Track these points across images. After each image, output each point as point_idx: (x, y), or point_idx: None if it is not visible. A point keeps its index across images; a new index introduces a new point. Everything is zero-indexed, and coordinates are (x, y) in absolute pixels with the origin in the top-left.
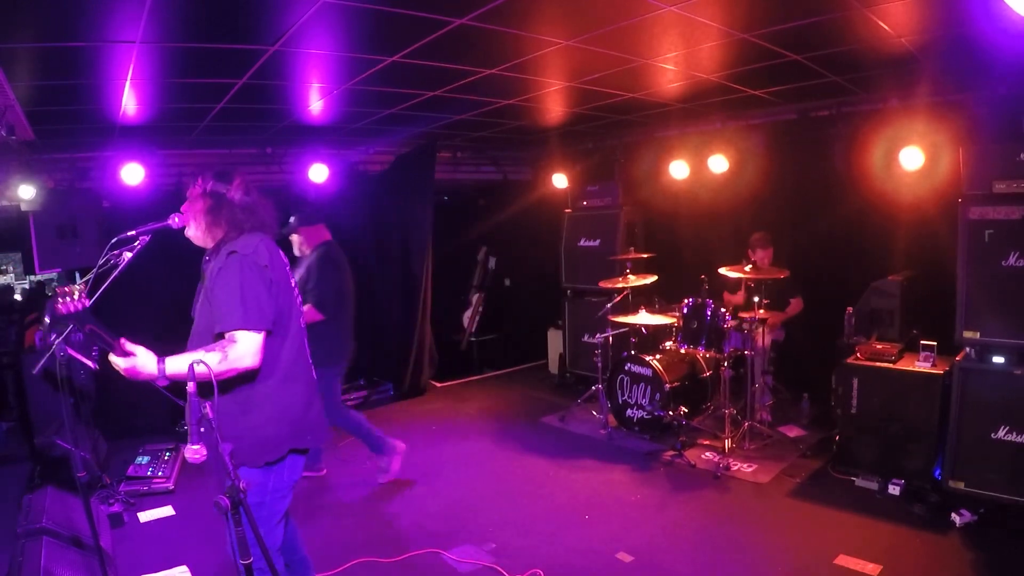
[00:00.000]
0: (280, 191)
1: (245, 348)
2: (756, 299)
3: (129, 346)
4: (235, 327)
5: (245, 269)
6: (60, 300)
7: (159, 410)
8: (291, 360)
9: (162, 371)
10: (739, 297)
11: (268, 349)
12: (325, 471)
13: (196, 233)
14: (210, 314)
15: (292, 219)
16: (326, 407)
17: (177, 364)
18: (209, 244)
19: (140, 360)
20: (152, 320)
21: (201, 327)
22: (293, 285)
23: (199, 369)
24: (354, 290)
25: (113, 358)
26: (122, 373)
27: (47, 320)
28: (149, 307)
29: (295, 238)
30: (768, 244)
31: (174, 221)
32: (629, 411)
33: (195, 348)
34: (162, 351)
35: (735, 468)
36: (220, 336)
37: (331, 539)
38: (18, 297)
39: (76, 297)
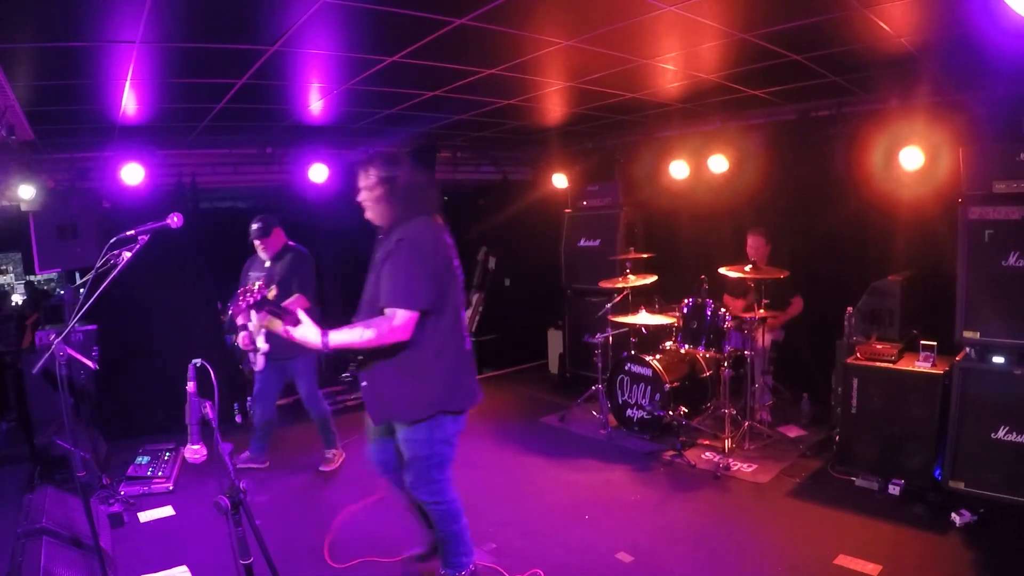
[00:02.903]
0: (280, 191)
1: (398, 323)
2: (757, 300)
3: (302, 316)
4: (393, 304)
5: (411, 255)
6: (242, 297)
7: (159, 410)
8: (446, 334)
9: (326, 342)
10: (740, 304)
11: (425, 325)
12: (268, 463)
13: (373, 216)
14: (376, 289)
15: (256, 226)
16: (310, 392)
17: (339, 336)
18: (385, 223)
19: (303, 331)
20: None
21: (370, 298)
22: (456, 266)
23: (356, 339)
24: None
25: (289, 328)
26: (293, 339)
27: (230, 314)
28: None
29: (259, 244)
30: (759, 235)
31: (173, 221)
32: (629, 411)
33: (364, 316)
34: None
35: (735, 468)
36: (382, 311)
37: (331, 539)
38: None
39: (256, 289)
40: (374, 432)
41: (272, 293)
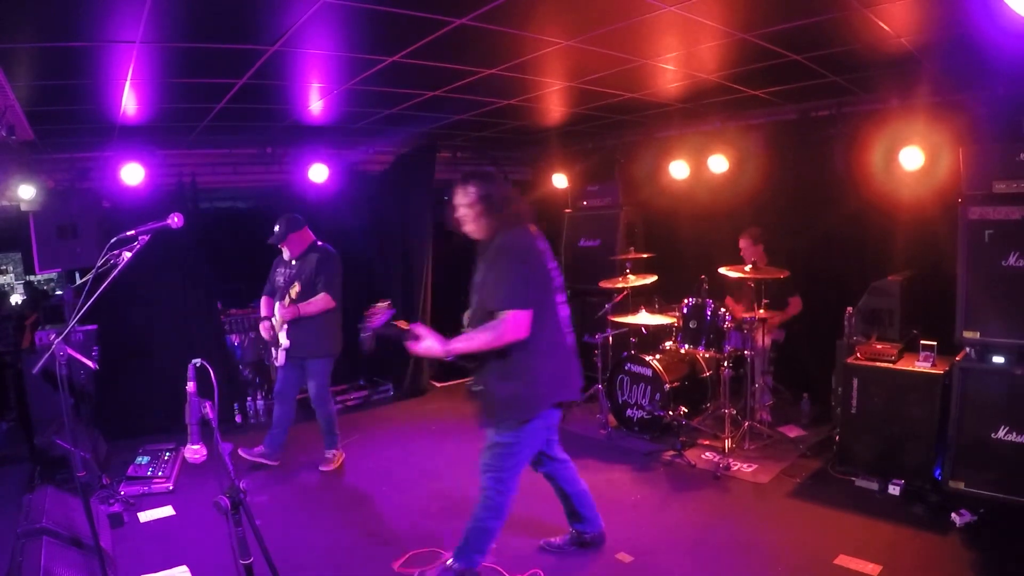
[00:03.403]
0: (280, 191)
1: (512, 324)
2: (756, 300)
3: (421, 331)
4: (503, 307)
5: (510, 261)
6: (372, 317)
7: (159, 410)
8: (550, 332)
9: (448, 350)
10: (741, 309)
11: (534, 324)
12: (279, 462)
13: (473, 230)
14: (484, 296)
15: (278, 228)
16: (320, 392)
17: (460, 344)
18: (484, 236)
19: (425, 344)
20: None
21: (476, 309)
22: (552, 268)
23: (475, 342)
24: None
25: (409, 343)
26: (416, 353)
27: (367, 331)
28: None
29: (280, 247)
30: (747, 236)
31: (174, 221)
32: (629, 411)
33: (474, 322)
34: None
35: (735, 468)
36: (491, 314)
37: (331, 538)
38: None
39: (387, 308)
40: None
41: (296, 291)
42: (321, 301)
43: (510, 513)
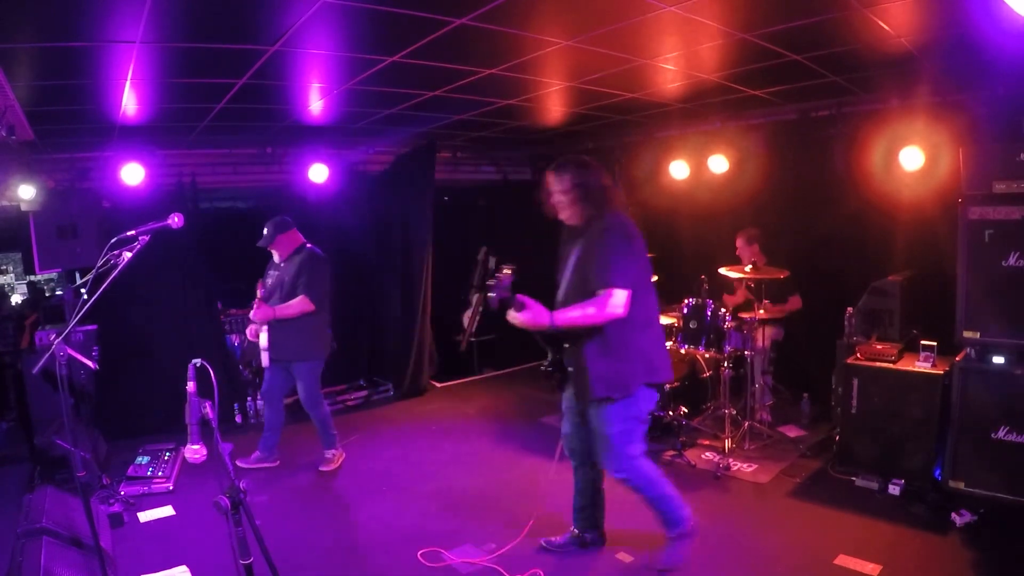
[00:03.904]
0: (280, 191)
1: (616, 300)
2: (756, 300)
3: (527, 301)
4: (607, 285)
5: (617, 240)
6: (500, 280)
7: (159, 410)
8: (648, 311)
9: (553, 320)
10: (738, 297)
11: (632, 303)
12: (279, 462)
13: (568, 216)
14: (584, 278)
15: (266, 231)
16: (309, 396)
17: (564, 316)
18: (578, 222)
19: (534, 313)
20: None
21: (575, 287)
22: (645, 252)
23: (578, 316)
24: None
25: (513, 313)
26: (518, 324)
27: (496, 293)
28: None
29: (270, 248)
30: (741, 236)
31: (174, 221)
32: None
33: (571, 303)
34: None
35: (735, 468)
36: (591, 293)
37: (331, 539)
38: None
39: (509, 274)
40: (571, 418)
41: (279, 293)
42: (298, 304)
43: (509, 514)
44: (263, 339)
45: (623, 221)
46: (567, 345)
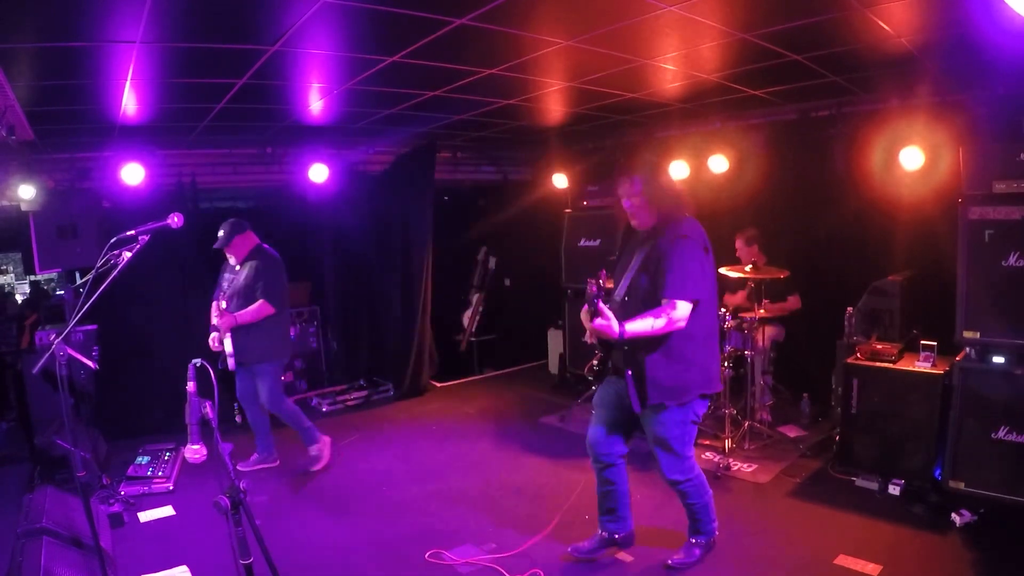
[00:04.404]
0: (280, 191)
1: (681, 312)
2: (756, 299)
3: (604, 309)
4: (676, 296)
5: (691, 251)
6: (595, 284)
7: (159, 410)
8: (711, 323)
9: (622, 332)
10: (739, 297)
11: (697, 314)
12: (278, 462)
13: (639, 221)
14: (651, 282)
15: (222, 232)
16: (271, 396)
17: (633, 326)
18: (649, 226)
19: (608, 321)
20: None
21: (635, 290)
22: (714, 266)
23: (645, 328)
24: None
25: (587, 319)
26: (591, 330)
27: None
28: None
29: (225, 250)
30: (740, 237)
31: (174, 221)
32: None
33: (635, 311)
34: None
35: (735, 468)
36: (659, 300)
37: (331, 539)
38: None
39: (602, 281)
40: (603, 422)
41: (237, 298)
42: (259, 308)
43: (509, 513)
44: (227, 345)
45: (699, 231)
46: (626, 348)
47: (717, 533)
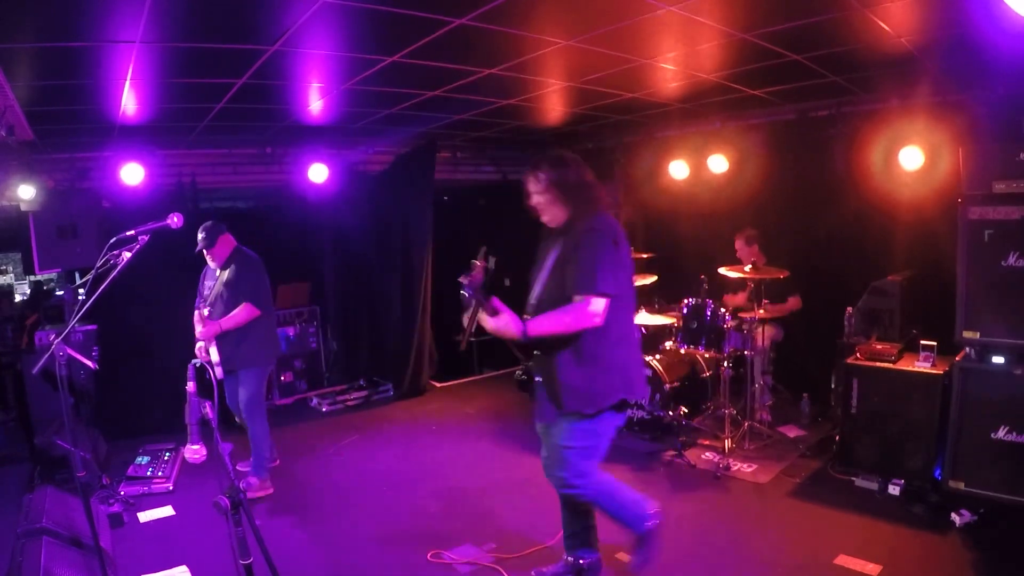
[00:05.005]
0: (280, 191)
1: (594, 308)
2: (756, 300)
3: (499, 307)
4: (587, 292)
5: (600, 244)
6: (474, 273)
7: (159, 410)
8: (625, 324)
9: (524, 330)
10: (740, 299)
11: (611, 313)
12: (278, 461)
13: (549, 218)
14: (562, 281)
15: (203, 235)
16: (250, 403)
17: (537, 325)
18: (560, 223)
19: (499, 321)
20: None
21: (550, 291)
22: (631, 261)
23: (553, 325)
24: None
25: (484, 316)
26: (489, 329)
27: (469, 290)
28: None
29: (206, 254)
30: (739, 237)
31: (173, 221)
32: (629, 411)
33: (544, 308)
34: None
35: (735, 468)
36: (567, 299)
37: (331, 539)
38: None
39: (491, 265)
40: (545, 440)
41: (220, 304)
42: (243, 312)
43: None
44: (213, 354)
45: (610, 224)
46: (537, 353)
47: (655, 513)
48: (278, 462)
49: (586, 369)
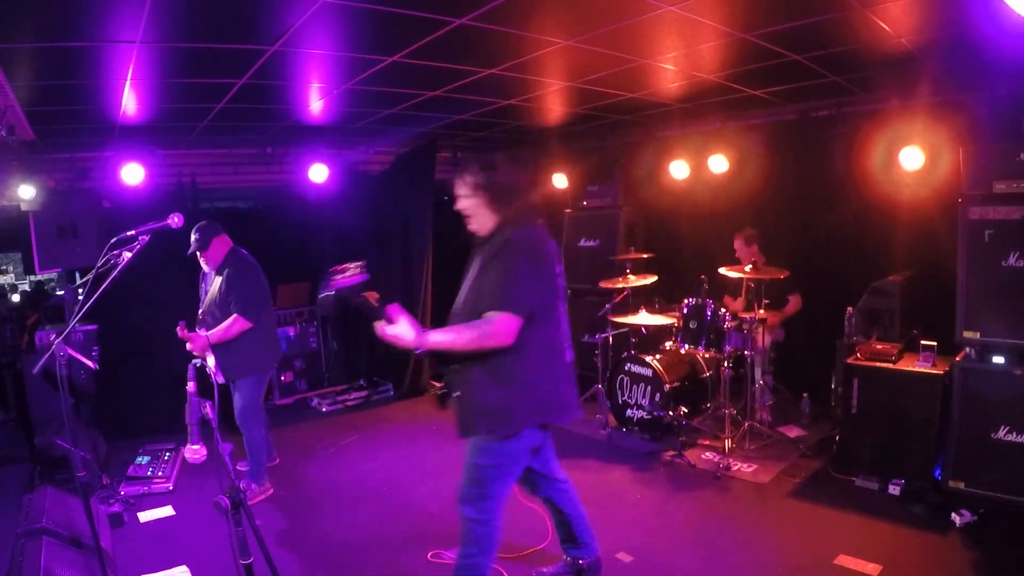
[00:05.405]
0: (280, 191)
1: (501, 327)
2: (751, 298)
3: (397, 316)
4: (497, 308)
5: (519, 258)
6: (341, 275)
7: (159, 410)
8: (547, 344)
9: (422, 342)
10: (739, 303)
11: (526, 333)
12: (278, 460)
13: (475, 224)
14: (478, 295)
15: (197, 236)
16: (245, 410)
17: (437, 337)
18: (486, 231)
19: (401, 329)
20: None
21: (467, 306)
22: (558, 273)
23: (452, 340)
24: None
25: (379, 325)
26: (385, 338)
27: (329, 293)
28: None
29: (200, 257)
30: (739, 238)
31: (174, 221)
32: (629, 411)
33: (455, 321)
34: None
35: (735, 468)
36: (480, 315)
37: (331, 539)
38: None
39: (359, 272)
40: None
41: (213, 311)
42: (234, 326)
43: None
44: (211, 363)
45: (532, 236)
46: (455, 367)
47: None
48: (278, 460)
49: (503, 390)
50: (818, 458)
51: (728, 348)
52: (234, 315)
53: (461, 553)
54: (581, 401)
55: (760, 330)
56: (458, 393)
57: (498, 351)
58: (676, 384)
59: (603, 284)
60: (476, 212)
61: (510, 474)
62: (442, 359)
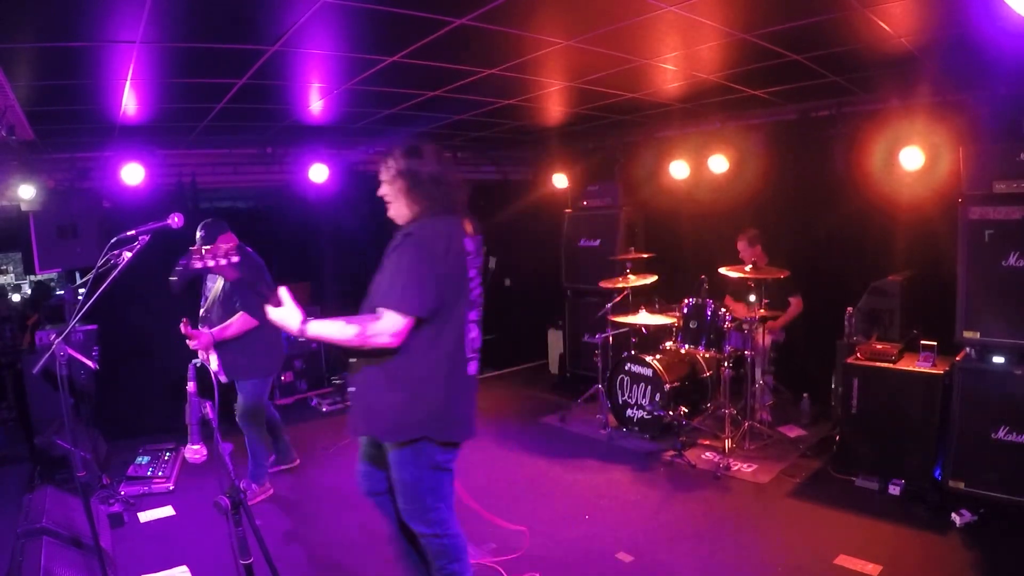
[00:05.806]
0: (280, 191)
1: (386, 327)
2: (755, 299)
3: (285, 298)
4: (386, 305)
5: (417, 253)
6: (198, 257)
7: (159, 410)
8: (448, 350)
9: (303, 330)
10: (740, 309)
11: (423, 336)
12: (298, 462)
13: (394, 212)
14: (376, 288)
15: (202, 232)
16: (246, 411)
17: (318, 327)
18: (404, 221)
19: (282, 313)
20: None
21: (370, 299)
22: (471, 276)
23: (333, 332)
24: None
25: (269, 308)
26: (271, 319)
27: (187, 267)
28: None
29: None
30: (742, 238)
31: (174, 221)
32: (629, 411)
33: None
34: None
35: (735, 468)
36: (373, 310)
37: (330, 539)
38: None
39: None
40: (363, 451)
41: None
42: (239, 323)
43: (510, 513)
44: (213, 362)
45: (437, 230)
46: (353, 361)
47: None
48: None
49: (393, 394)
50: (818, 458)
51: (728, 348)
52: (239, 313)
53: (434, 567)
54: (581, 401)
55: (760, 330)
56: (352, 388)
57: (390, 352)
58: (676, 384)
59: (603, 284)
60: (395, 199)
61: (438, 481)
62: (344, 351)
